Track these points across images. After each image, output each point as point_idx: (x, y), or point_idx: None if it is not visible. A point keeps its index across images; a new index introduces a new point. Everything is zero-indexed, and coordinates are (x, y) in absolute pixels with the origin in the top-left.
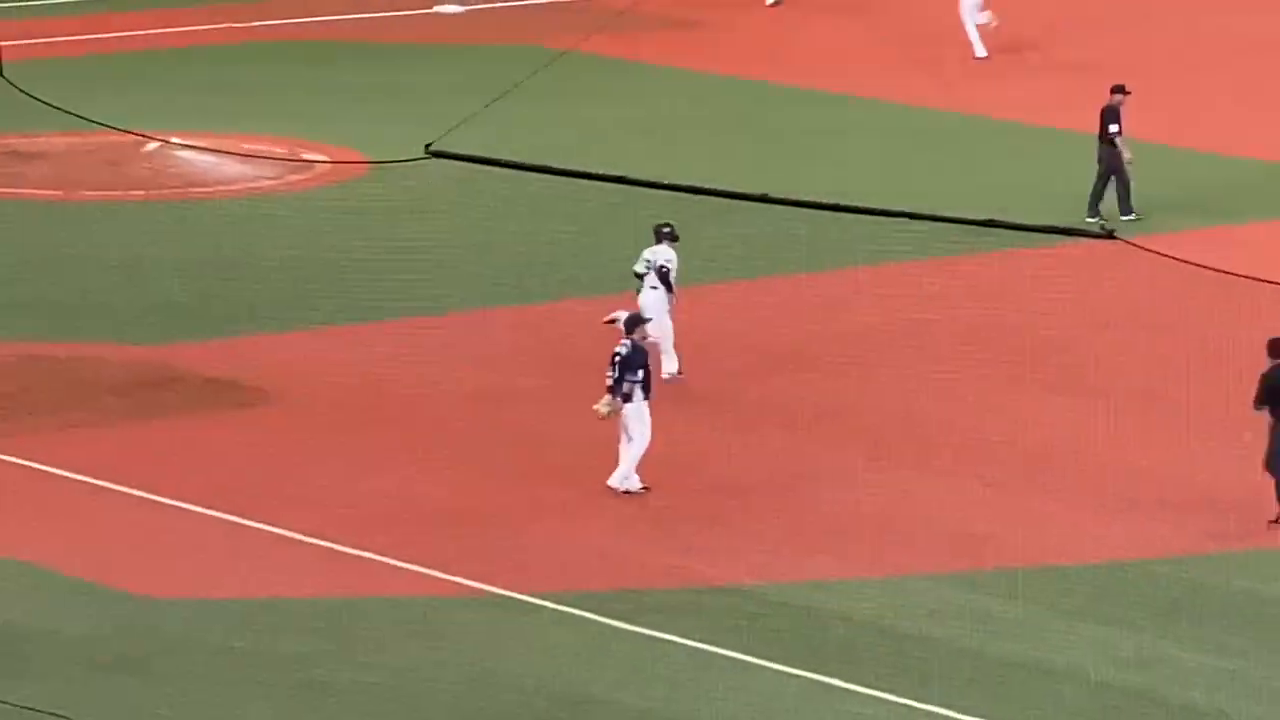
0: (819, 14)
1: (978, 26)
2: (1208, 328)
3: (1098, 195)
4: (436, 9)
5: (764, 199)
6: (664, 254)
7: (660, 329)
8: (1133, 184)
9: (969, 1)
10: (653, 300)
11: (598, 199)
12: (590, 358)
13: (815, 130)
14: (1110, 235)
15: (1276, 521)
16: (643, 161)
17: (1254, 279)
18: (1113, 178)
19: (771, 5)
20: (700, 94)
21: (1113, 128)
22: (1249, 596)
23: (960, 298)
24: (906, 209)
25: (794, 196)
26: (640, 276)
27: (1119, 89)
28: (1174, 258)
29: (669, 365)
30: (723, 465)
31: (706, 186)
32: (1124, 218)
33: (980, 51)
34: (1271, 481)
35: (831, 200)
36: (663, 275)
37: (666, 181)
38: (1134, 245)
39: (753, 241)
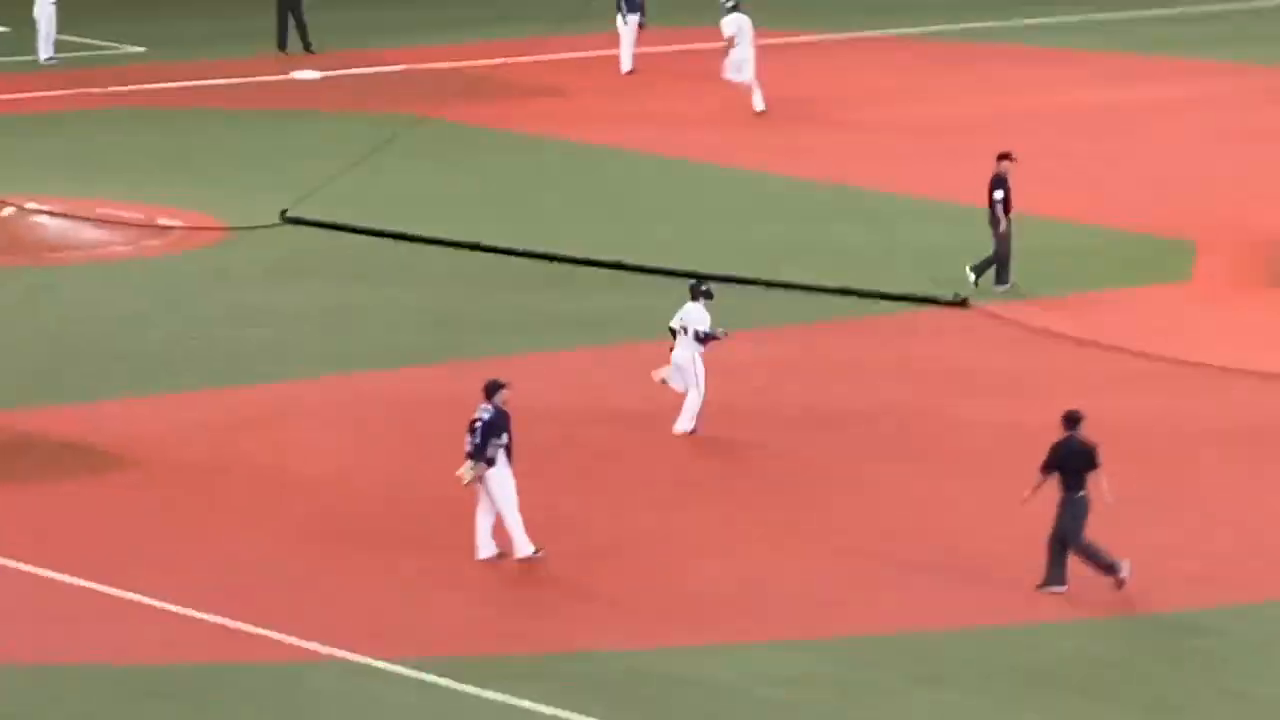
0: (675, 81)
1: (740, 81)
2: (1060, 393)
3: (1004, 263)
4: (293, 75)
5: (619, 266)
6: (695, 314)
7: (691, 384)
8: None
9: (733, 60)
10: (684, 357)
11: (454, 265)
12: (448, 423)
13: (671, 197)
14: (963, 303)
15: (1045, 584)
16: (500, 227)
17: (1105, 346)
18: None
19: (626, 73)
20: (559, 160)
21: (997, 194)
22: (1101, 663)
23: (814, 365)
24: (762, 277)
25: (650, 263)
26: (674, 333)
27: (1005, 156)
28: (1026, 325)
29: (684, 423)
30: (582, 531)
31: (562, 253)
32: (997, 287)
33: (760, 105)
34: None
35: (688, 268)
36: (699, 337)
37: (524, 248)
38: (988, 312)
39: (608, 307)
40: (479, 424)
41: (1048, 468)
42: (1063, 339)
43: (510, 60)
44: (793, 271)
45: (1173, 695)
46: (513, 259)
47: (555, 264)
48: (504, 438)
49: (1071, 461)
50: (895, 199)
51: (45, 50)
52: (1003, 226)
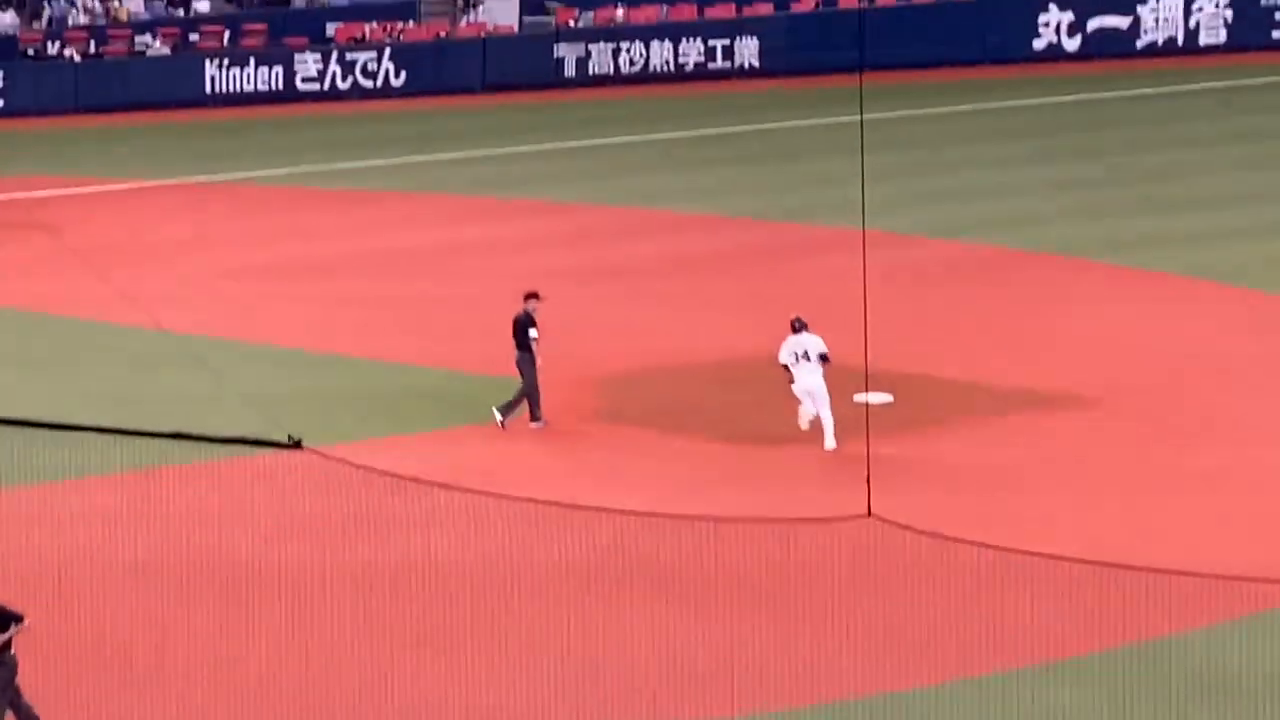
0: None
1: None
2: (396, 533)
3: (535, 400)
4: None
5: None
6: (814, 341)
7: (821, 397)
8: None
9: None
10: (818, 380)
11: None
12: None
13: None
14: (297, 445)
15: None
16: None
17: (437, 484)
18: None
19: None
20: None
21: (532, 333)
22: None
23: (142, 515)
24: (91, 423)
25: None
26: (787, 367)
27: (532, 295)
28: (361, 466)
29: (830, 441)
30: None
31: None
32: (533, 424)
33: None
34: None
35: (19, 415)
36: (826, 358)
37: None
38: (321, 454)
39: None
40: None
41: None
42: (391, 477)
43: None
44: (122, 417)
45: None
46: None
47: None
48: None
49: None
50: (220, 343)
51: None
52: (538, 363)
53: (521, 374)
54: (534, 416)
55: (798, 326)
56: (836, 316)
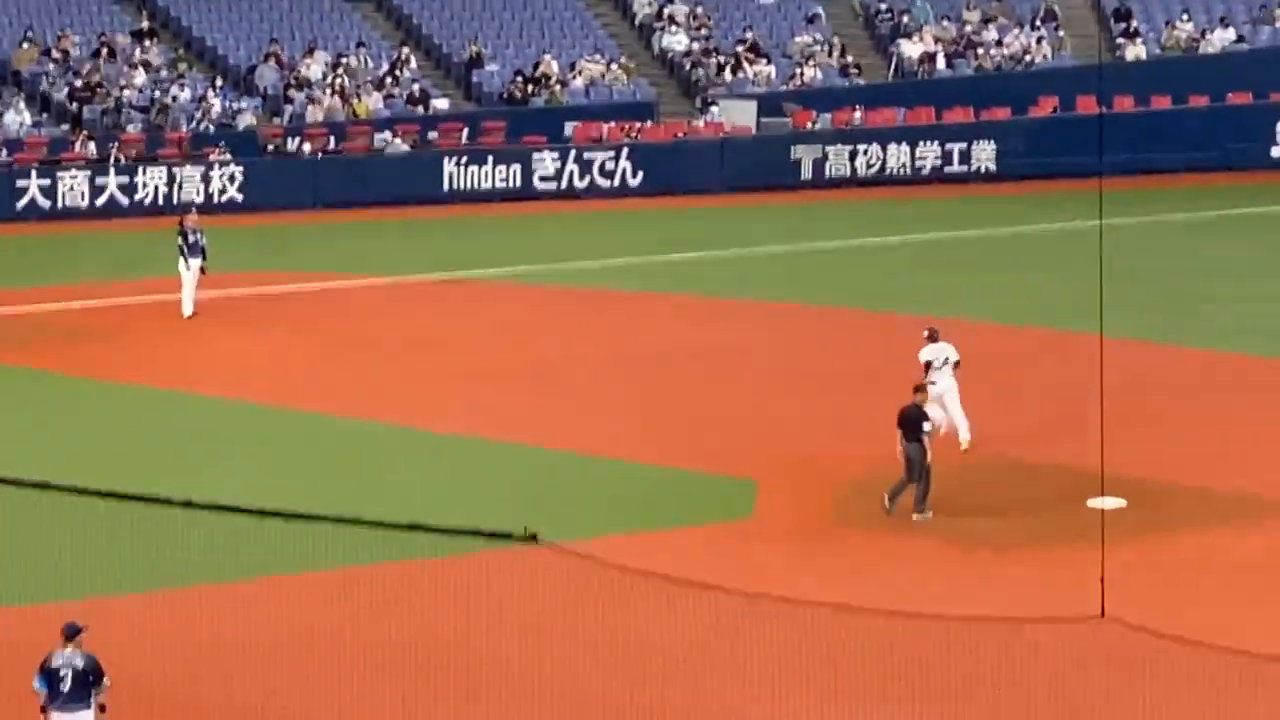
0: (234, 326)
1: None
2: (630, 628)
3: (922, 491)
4: None
5: (188, 504)
6: (949, 350)
7: (954, 395)
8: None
9: None
10: (953, 382)
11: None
12: None
13: (234, 439)
14: (534, 539)
15: None
16: (60, 467)
17: (671, 579)
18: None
19: (188, 318)
20: (113, 403)
21: (926, 425)
22: None
23: (379, 608)
24: (328, 514)
25: (219, 502)
26: (930, 365)
27: (921, 388)
28: (590, 558)
29: (964, 433)
30: None
31: (124, 491)
32: (916, 517)
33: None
34: None
35: (258, 507)
36: (957, 364)
37: (81, 486)
38: (557, 549)
39: (173, 548)
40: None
41: None
42: (627, 573)
43: (72, 305)
44: (359, 509)
45: None
46: (88, 500)
47: (125, 503)
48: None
49: None
50: (456, 439)
51: None
52: (930, 455)
53: (909, 464)
54: (919, 509)
55: (935, 336)
56: (1071, 420)
